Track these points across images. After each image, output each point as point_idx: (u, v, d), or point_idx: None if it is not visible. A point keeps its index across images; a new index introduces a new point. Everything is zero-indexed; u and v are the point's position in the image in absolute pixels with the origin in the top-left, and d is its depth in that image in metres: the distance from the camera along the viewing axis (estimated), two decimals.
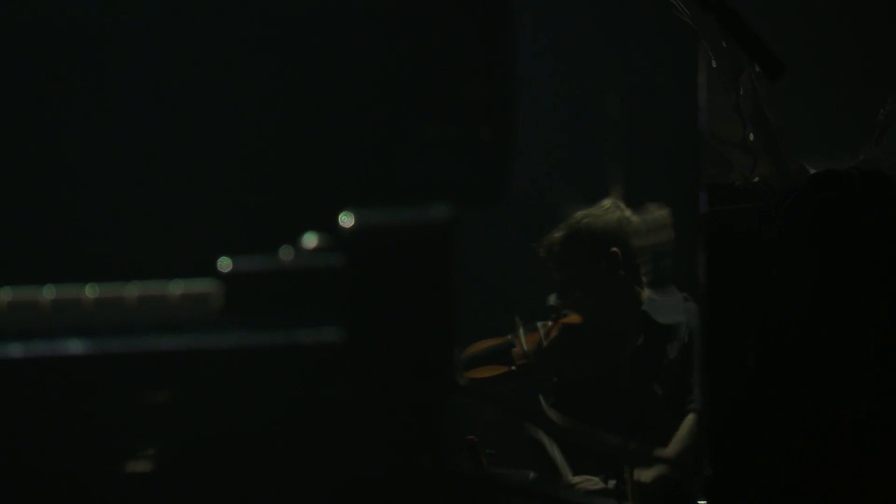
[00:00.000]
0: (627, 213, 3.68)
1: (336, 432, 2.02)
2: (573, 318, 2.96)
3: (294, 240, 2.05)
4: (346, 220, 2.02)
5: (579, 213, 3.08)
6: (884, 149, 5.30)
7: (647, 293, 3.46)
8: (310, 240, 2.04)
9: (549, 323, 2.97)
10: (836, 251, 3.75)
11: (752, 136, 4.49)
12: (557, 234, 3.30)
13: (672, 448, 3.24)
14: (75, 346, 2.05)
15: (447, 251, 2.00)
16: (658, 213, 3.40)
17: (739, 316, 3.55)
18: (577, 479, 3.22)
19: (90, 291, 2.07)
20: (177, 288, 2.05)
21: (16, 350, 2.06)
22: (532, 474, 2.93)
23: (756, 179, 4.24)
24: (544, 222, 2.32)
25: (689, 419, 3.20)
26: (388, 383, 2.00)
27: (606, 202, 3.50)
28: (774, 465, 3.48)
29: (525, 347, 2.80)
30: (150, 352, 2.03)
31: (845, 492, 3.56)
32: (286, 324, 2.01)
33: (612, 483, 2.83)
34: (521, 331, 3.05)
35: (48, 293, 2.07)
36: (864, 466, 3.51)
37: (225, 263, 2.05)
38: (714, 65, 4.58)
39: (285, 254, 2.04)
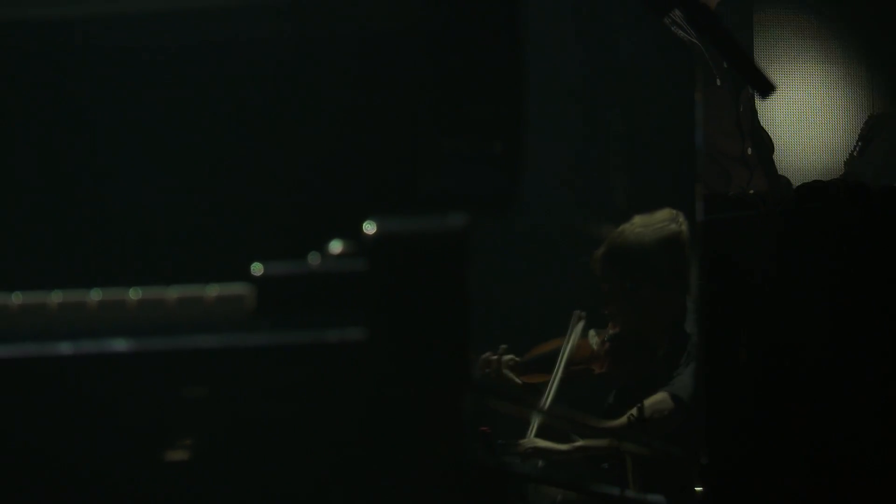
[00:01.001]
0: (684, 226, 3.59)
1: (359, 424, 2.02)
2: (616, 329, 2.92)
3: (321, 246, 2.04)
4: (370, 228, 2.01)
5: (626, 227, 3.00)
6: (866, 161, 5.30)
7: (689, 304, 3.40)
8: (336, 246, 2.04)
9: (599, 331, 2.93)
10: (822, 255, 3.74)
11: (750, 151, 4.49)
12: (600, 250, 3.22)
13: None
14: (120, 345, 2.05)
15: (462, 257, 1.99)
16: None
17: (733, 315, 3.54)
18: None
19: (133, 294, 2.06)
20: (213, 291, 2.05)
21: (66, 348, 2.05)
22: (540, 462, 2.92)
23: (751, 191, 4.25)
24: (550, 229, 2.31)
25: (659, 397, 3.17)
26: (408, 379, 2.00)
27: (662, 214, 3.43)
28: (765, 453, 3.48)
29: (576, 354, 2.76)
30: (188, 349, 2.03)
31: (833, 476, 3.55)
32: (314, 324, 2.01)
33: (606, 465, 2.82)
34: (575, 335, 3.01)
35: (95, 295, 2.07)
36: (848, 454, 3.51)
37: (257, 268, 2.04)
38: (718, 83, 4.56)
39: (313, 259, 2.04)
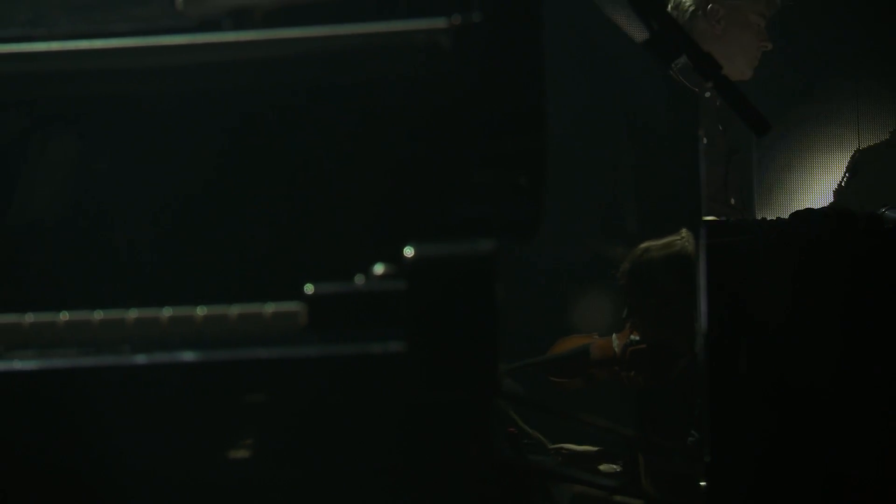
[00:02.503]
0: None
1: (398, 429, 2.01)
2: (637, 336, 2.87)
3: (366, 268, 2.04)
4: (409, 252, 2.01)
5: (645, 245, 2.97)
6: (853, 191, 5.28)
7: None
8: (378, 269, 2.04)
9: (620, 335, 2.89)
10: (813, 275, 3.73)
11: (733, 201, 4.51)
12: (625, 265, 3.17)
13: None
14: (188, 356, 2.05)
15: (491, 277, 1.99)
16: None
17: (734, 327, 3.54)
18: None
19: (200, 310, 2.06)
20: (270, 308, 2.05)
21: (141, 359, 2.06)
22: (563, 461, 2.89)
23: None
24: (571, 252, 2.31)
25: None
26: (442, 387, 1.99)
27: (679, 235, 3.41)
28: (765, 451, 3.47)
29: (596, 356, 2.73)
30: (248, 360, 2.03)
31: (830, 470, 3.54)
32: (359, 338, 2.00)
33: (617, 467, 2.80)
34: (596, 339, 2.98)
35: (167, 311, 2.07)
36: (843, 448, 3.50)
37: (309, 288, 2.04)
38: (705, 141, 4.58)
39: (358, 280, 2.04)
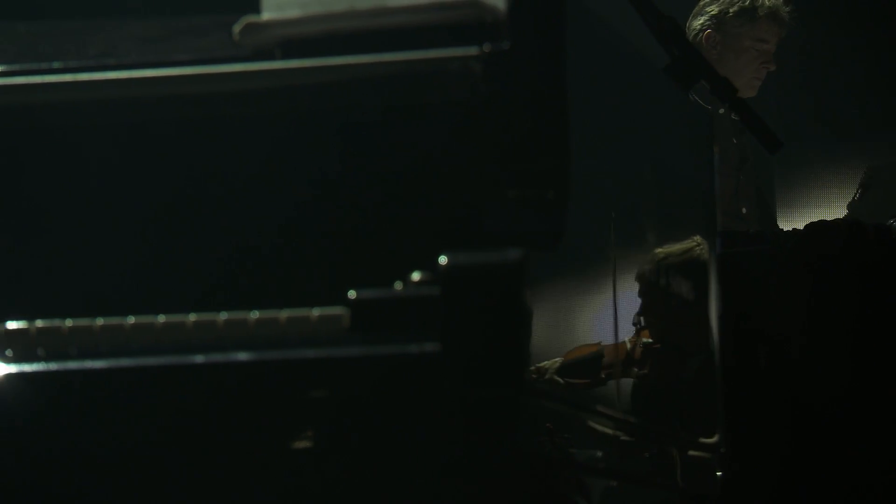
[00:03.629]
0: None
1: (435, 423, 2.00)
2: (650, 337, 2.83)
3: (404, 276, 2.04)
4: (443, 260, 2.00)
5: (663, 251, 2.93)
6: (865, 205, 5.23)
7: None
8: (416, 275, 2.03)
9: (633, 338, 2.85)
10: (825, 282, 3.70)
11: (744, 210, 4.47)
12: (646, 268, 3.10)
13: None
14: (242, 356, 2.05)
15: (519, 283, 1.98)
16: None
17: (750, 329, 3.51)
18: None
19: (253, 314, 2.06)
20: (316, 312, 2.04)
21: (199, 358, 2.06)
22: (599, 453, 2.87)
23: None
24: (592, 260, 2.29)
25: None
26: (475, 384, 1.98)
27: (692, 242, 3.38)
28: (777, 443, 3.44)
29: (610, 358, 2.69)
30: (296, 359, 2.03)
31: (837, 460, 3.51)
32: (397, 339, 2.00)
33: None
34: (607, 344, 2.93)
35: (223, 315, 2.07)
36: (848, 442, 3.47)
37: (352, 294, 2.04)
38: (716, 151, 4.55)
39: (397, 286, 2.03)
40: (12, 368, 2.10)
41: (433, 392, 1.98)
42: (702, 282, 2.64)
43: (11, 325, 2.11)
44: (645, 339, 2.51)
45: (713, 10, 4.65)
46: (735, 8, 4.60)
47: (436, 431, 2.00)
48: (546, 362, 2.17)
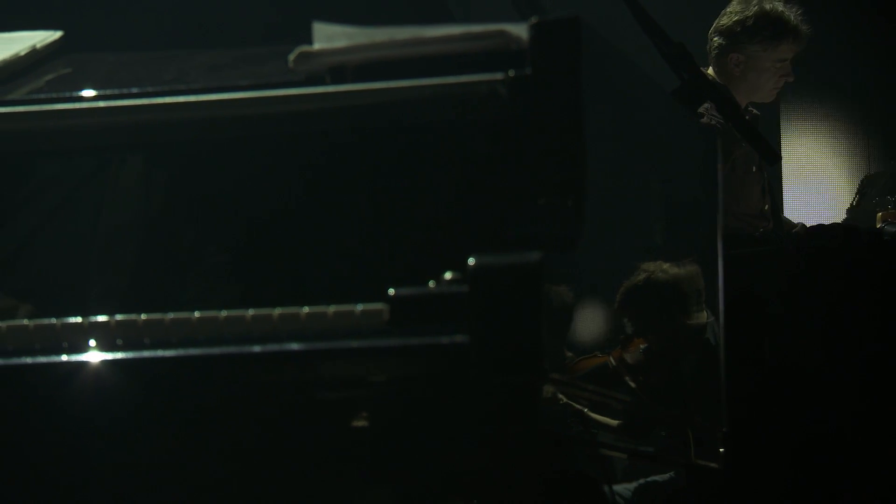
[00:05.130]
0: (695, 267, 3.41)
1: (463, 406, 2.00)
2: (646, 344, 2.76)
3: (437, 275, 2.03)
4: (472, 261, 2.00)
5: (662, 265, 2.87)
6: (862, 210, 5.19)
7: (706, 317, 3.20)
8: (448, 275, 2.02)
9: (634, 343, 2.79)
10: (823, 278, 3.67)
11: (766, 207, 4.39)
12: (640, 280, 2.99)
13: None
14: (294, 346, 2.05)
15: (538, 283, 1.97)
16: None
17: (754, 321, 3.48)
18: None
19: (304, 309, 2.06)
20: (360, 307, 2.04)
21: (256, 348, 2.06)
22: (617, 432, 2.82)
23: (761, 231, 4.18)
24: (608, 262, 2.27)
25: None
26: (499, 371, 1.98)
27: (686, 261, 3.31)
28: (773, 423, 3.41)
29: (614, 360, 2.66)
30: (342, 348, 2.03)
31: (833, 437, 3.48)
32: (431, 331, 1.99)
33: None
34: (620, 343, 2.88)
35: (277, 311, 2.07)
36: (840, 422, 3.43)
37: (392, 291, 2.03)
38: (754, 168, 4.44)
39: (432, 284, 2.03)
40: (96, 356, 2.11)
41: (462, 378, 1.97)
42: (708, 279, 2.62)
43: (95, 318, 2.13)
44: (655, 332, 2.49)
45: (737, 33, 4.41)
46: (759, 36, 4.37)
47: (464, 413, 2.00)
48: (566, 352, 2.15)
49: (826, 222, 4.22)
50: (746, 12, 4.38)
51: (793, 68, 4.44)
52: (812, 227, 3.85)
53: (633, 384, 2.37)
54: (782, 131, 7.05)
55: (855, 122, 6.98)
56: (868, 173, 5.84)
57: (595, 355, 2.24)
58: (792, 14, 4.37)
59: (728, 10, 4.44)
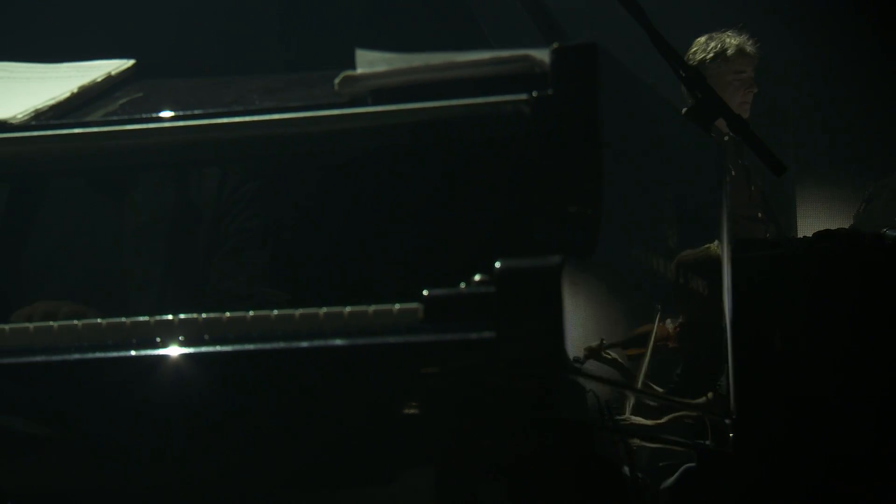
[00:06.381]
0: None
1: (490, 396, 1.99)
2: (682, 319, 2.73)
3: (467, 278, 2.02)
4: (498, 264, 1.99)
5: (684, 256, 2.87)
6: (868, 215, 5.12)
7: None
8: (477, 277, 2.02)
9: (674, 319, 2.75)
10: (829, 280, 3.63)
11: (760, 214, 4.43)
12: (666, 270, 3.03)
13: None
14: (338, 342, 2.05)
15: (557, 285, 1.96)
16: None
17: (763, 316, 3.44)
18: None
19: (347, 309, 2.06)
20: (397, 306, 2.04)
21: (304, 344, 2.06)
22: (636, 419, 2.76)
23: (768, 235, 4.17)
24: (623, 266, 2.25)
25: None
26: (523, 365, 1.96)
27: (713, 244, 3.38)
28: (777, 407, 3.37)
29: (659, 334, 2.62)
30: (381, 344, 2.02)
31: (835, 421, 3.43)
32: (461, 328, 1.99)
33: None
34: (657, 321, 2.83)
35: (323, 310, 2.07)
36: (843, 419, 3.39)
37: (426, 292, 2.03)
38: (733, 173, 4.55)
39: (462, 286, 2.02)
40: (182, 350, 2.12)
41: (489, 370, 1.97)
42: (716, 280, 2.59)
43: (182, 315, 2.13)
44: (669, 330, 2.47)
45: (696, 60, 4.84)
46: (710, 55, 4.81)
47: (491, 403, 1.98)
48: (588, 344, 2.13)
49: (832, 228, 4.17)
50: (699, 45, 4.88)
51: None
52: (819, 232, 3.80)
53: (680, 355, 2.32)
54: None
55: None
56: (874, 180, 5.75)
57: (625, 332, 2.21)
58: (736, 35, 4.85)
59: (688, 53, 4.87)
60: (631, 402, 2.33)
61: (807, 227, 6.63)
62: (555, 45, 2.10)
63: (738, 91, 4.78)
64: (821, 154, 7.08)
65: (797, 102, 7.13)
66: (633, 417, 2.34)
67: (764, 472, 3.26)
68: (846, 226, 5.20)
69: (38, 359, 2.10)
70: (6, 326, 2.16)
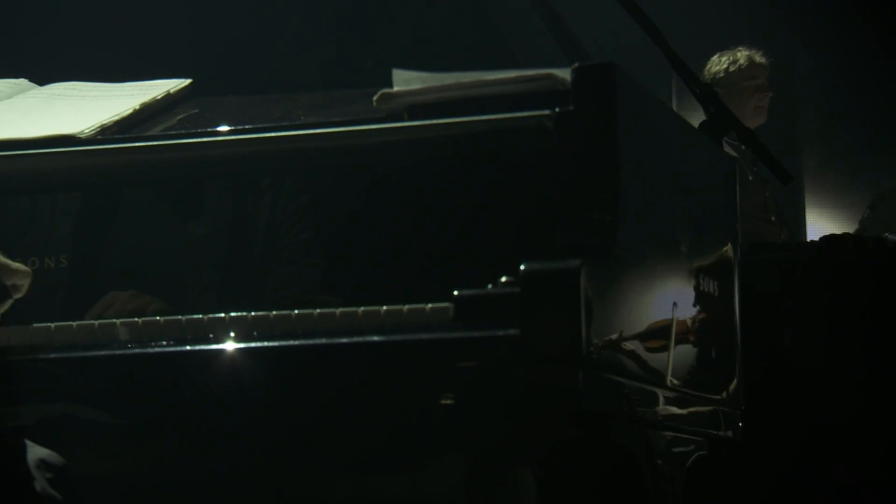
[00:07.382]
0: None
1: (515, 389, 1.98)
2: (687, 324, 2.71)
3: (495, 280, 2.02)
4: (523, 267, 1.98)
5: (698, 260, 2.84)
6: (873, 221, 5.08)
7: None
8: (503, 279, 2.01)
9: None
10: (835, 281, 3.59)
11: (773, 218, 4.41)
12: (680, 272, 3.02)
13: None
14: (376, 337, 2.05)
15: (577, 286, 1.95)
16: None
17: (772, 314, 3.42)
18: None
19: (383, 308, 2.06)
20: (429, 306, 2.04)
21: (344, 340, 2.06)
22: (651, 410, 2.71)
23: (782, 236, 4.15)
24: (640, 269, 2.24)
25: None
26: (545, 360, 1.96)
27: (725, 248, 3.34)
28: (783, 400, 3.34)
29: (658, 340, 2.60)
30: (414, 340, 2.02)
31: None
32: (488, 326, 1.98)
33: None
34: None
35: (362, 308, 2.07)
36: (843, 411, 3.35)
37: (456, 293, 2.03)
38: (750, 178, 4.54)
39: (490, 287, 2.02)
40: (231, 346, 2.13)
41: (513, 365, 1.96)
42: (729, 281, 2.57)
43: (232, 314, 2.14)
44: (684, 327, 2.45)
45: (712, 73, 4.93)
46: (724, 67, 4.92)
47: (515, 396, 1.98)
48: (608, 339, 2.12)
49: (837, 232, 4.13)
50: (714, 61, 4.97)
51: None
52: (825, 236, 3.77)
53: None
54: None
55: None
56: (880, 188, 5.69)
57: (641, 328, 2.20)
58: (747, 49, 4.95)
59: (705, 69, 4.97)
60: (650, 394, 2.31)
61: (815, 231, 6.58)
62: (576, 65, 2.10)
63: (753, 96, 4.86)
64: (830, 161, 7.01)
65: (807, 110, 7.07)
66: (650, 409, 2.32)
67: (771, 461, 3.24)
68: (852, 231, 5.16)
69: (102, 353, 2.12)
70: (73, 323, 2.18)
